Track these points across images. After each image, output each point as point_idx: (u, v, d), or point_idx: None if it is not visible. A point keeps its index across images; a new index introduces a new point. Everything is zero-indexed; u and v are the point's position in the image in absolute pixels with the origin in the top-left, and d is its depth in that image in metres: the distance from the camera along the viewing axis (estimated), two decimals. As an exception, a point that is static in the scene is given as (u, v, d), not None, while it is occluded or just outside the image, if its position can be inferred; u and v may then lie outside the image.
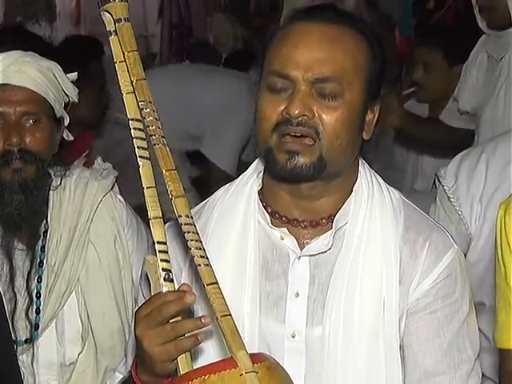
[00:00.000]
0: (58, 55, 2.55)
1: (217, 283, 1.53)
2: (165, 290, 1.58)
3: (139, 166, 1.61)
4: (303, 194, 1.79)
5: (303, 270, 1.79)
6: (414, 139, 4.11)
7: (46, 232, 2.38)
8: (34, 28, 6.88)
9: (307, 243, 1.80)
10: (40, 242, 2.37)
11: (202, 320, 1.54)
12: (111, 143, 4.12)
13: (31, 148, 2.28)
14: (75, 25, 7.93)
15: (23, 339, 2.34)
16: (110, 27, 1.68)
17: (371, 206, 1.81)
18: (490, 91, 3.53)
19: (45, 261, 2.36)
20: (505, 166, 2.44)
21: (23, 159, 2.27)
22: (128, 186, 2.46)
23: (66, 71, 2.39)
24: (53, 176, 2.39)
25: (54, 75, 2.35)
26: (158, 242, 1.59)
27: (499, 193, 2.37)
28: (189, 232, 1.56)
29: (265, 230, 1.82)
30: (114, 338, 2.40)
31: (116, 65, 1.67)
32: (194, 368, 1.54)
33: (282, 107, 1.72)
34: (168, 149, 1.61)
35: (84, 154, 2.58)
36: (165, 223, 1.62)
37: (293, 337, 1.78)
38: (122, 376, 1.94)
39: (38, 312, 2.35)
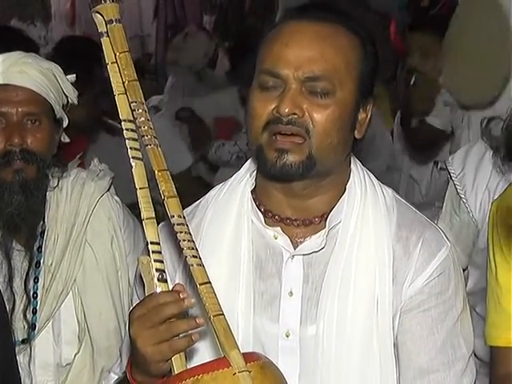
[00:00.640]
0: (61, 56, 2.54)
1: (209, 283, 1.53)
2: (159, 290, 1.58)
3: (132, 167, 1.61)
4: (295, 193, 1.79)
5: (297, 268, 1.79)
6: None
7: (43, 232, 2.38)
8: (29, 29, 6.89)
9: (300, 242, 1.80)
10: (37, 242, 2.37)
11: (197, 320, 1.54)
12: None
13: (32, 148, 2.29)
14: (70, 25, 7.94)
15: (20, 339, 2.35)
16: (102, 28, 1.68)
17: (364, 204, 1.81)
18: None
19: (42, 261, 2.36)
20: None
21: (25, 159, 2.28)
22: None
23: (69, 73, 2.40)
24: (50, 177, 2.39)
25: (55, 76, 2.36)
26: (152, 243, 1.59)
27: (505, 183, 2.38)
28: (181, 232, 1.56)
29: (258, 230, 1.82)
30: (111, 338, 2.40)
31: (108, 66, 1.67)
32: (188, 368, 1.54)
33: (273, 106, 1.72)
34: (160, 149, 1.61)
35: (78, 157, 2.57)
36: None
37: (287, 336, 1.78)
38: (116, 377, 1.94)
39: (34, 312, 2.35)
